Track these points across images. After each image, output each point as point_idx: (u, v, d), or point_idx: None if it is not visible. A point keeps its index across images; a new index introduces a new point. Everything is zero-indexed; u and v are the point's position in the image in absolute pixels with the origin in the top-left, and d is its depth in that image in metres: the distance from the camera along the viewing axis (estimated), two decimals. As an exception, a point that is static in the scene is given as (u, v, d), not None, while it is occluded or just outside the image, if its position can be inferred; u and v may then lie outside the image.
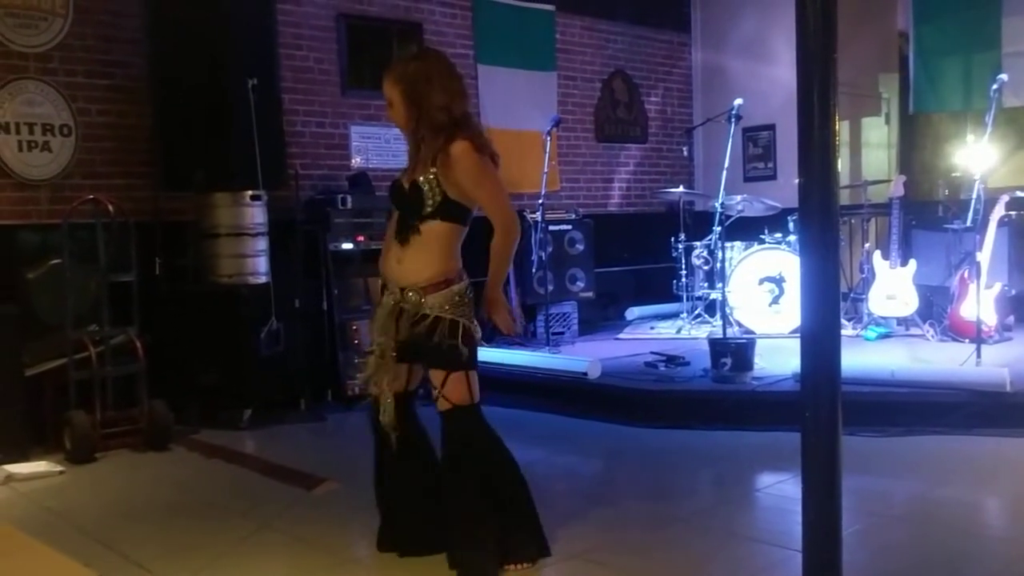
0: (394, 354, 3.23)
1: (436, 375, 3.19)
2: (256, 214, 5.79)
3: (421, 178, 3.13)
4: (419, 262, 3.16)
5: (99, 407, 5.12)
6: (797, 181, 2.27)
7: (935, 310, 6.83)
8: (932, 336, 6.59)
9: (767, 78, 8.57)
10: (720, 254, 7.01)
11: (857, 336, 6.78)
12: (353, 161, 7.12)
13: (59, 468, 4.78)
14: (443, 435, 3.23)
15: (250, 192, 5.73)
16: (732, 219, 7.37)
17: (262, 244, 5.84)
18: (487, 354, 6.40)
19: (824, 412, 2.26)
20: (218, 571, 3.31)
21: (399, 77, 3.18)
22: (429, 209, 3.13)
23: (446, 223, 3.16)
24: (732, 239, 7.33)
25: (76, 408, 5.02)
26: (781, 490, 4.07)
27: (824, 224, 2.26)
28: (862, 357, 5.74)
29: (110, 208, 5.25)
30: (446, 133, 3.12)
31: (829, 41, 2.20)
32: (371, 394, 3.35)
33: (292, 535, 3.67)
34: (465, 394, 3.17)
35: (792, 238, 7.18)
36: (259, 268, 5.82)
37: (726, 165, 7.24)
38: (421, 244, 3.16)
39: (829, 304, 2.29)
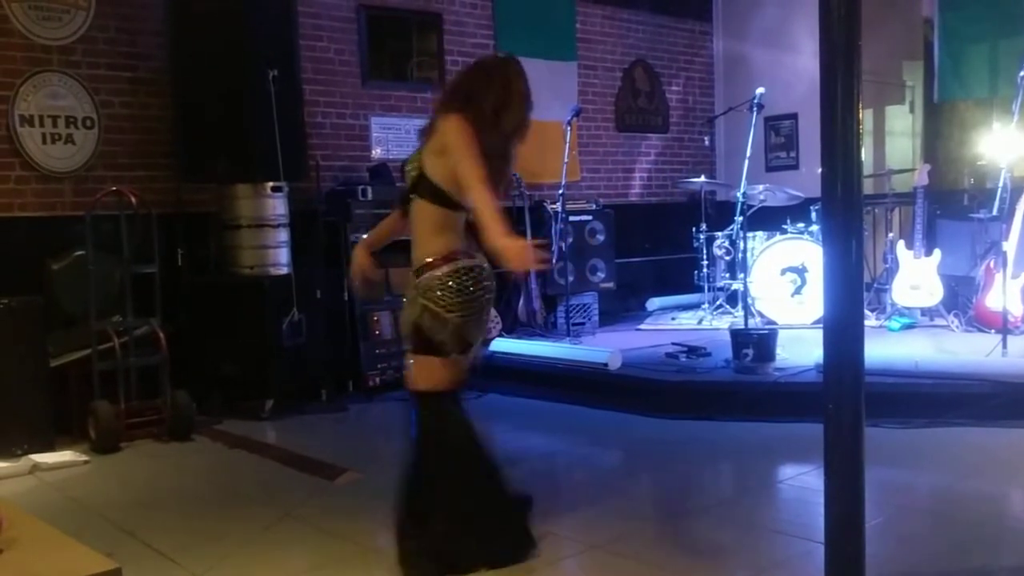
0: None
1: (409, 355, 3.16)
2: (277, 205, 5.81)
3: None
4: (415, 244, 3.11)
5: (123, 397, 5.16)
6: (820, 171, 2.25)
7: (960, 300, 6.76)
8: (957, 327, 6.52)
9: (789, 67, 8.49)
10: (742, 244, 6.95)
11: (881, 327, 6.73)
12: (373, 152, 7.13)
13: (84, 458, 4.82)
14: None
15: (271, 183, 5.75)
16: (754, 209, 7.32)
17: (283, 235, 5.86)
18: (508, 345, 6.42)
19: (847, 403, 2.25)
20: (241, 560, 3.34)
21: None
22: (409, 184, 3.11)
23: (425, 202, 3.05)
24: (754, 229, 7.29)
25: (100, 398, 5.07)
26: (804, 482, 4.05)
27: (848, 214, 2.24)
28: (885, 348, 5.69)
29: (133, 200, 5.28)
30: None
31: (853, 29, 2.18)
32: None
33: (314, 525, 3.69)
34: (430, 380, 3.10)
35: (815, 228, 7.13)
36: (280, 259, 5.84)
37: (748, 154, 7.17)
38: (414, 226, 3.12)
39: (853, 294, 2.28)
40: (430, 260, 3.05)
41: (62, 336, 5.32)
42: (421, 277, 3.05)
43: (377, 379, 6.30)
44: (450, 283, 3.02)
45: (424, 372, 3.10)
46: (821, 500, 2.31)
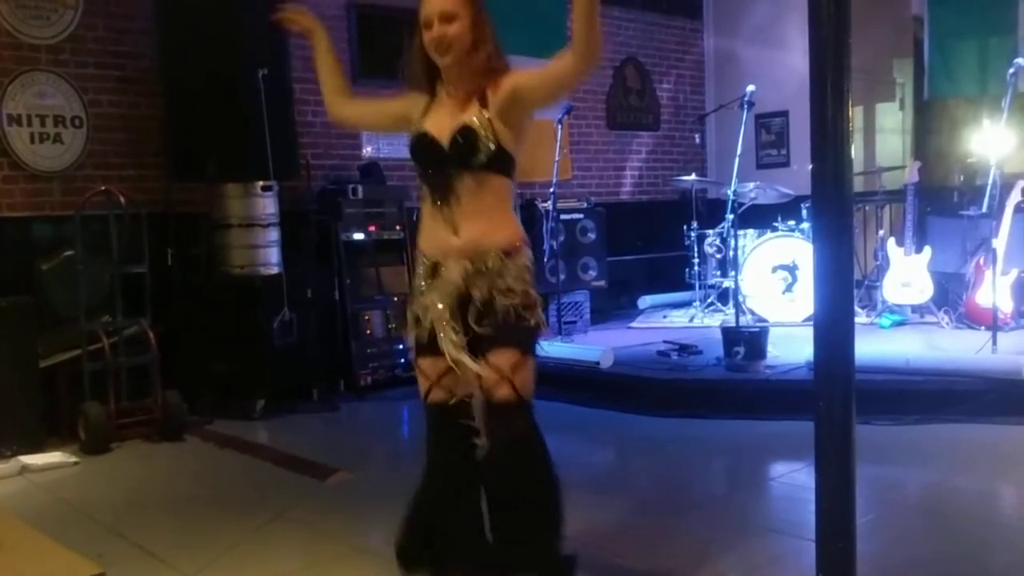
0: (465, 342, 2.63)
1: (506, 358, 2.59)
2: (268, 204, 5.79)
3: (474, 119, 2.62)
4: (491, 223, 2.64)
5: (113, 398, 5.14)
6: (810, 168, 2.25)
7: (950, 297, 6.78)
8: (947, 324, 6.55)
9: (780, 64, 8.50)
10: (733, 242, 6.97)
11: (871, 324, 6.74)
12: (364, 151, 7.11)
13: (74, 459, 4.80)
14: (502, 432, 2.66)
15: (261, 182, 5.73)
16: (745, 207, 7.32)
17: (274, 234, 5.84)
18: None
19: (838, 400, 2.24)
20: (232, 561, 3.32)
21: None
22: (483, 159, 2.60)
23: (502, 177, 2.65)
24: (745, 227, 7.29)
25: (90, 399, 5.04)
26: (795, 479, 4.05)
27: (838, 211, 2.24)
28: (876, 345, 5.70)
29: (122, 199, 5.26)
30: (499, 72, 2.70)
31: (843, 26, 2.18)
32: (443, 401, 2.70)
33: (306, 525, 3.68)
34: (531, 384, 2.66)
35: (805, 226, 7.14)
36: (271, 258, 5.82)
37: (739, 152, 7.19)
38: (484, 205, 2.63)
39: (843, 292, 2.27)
40: (523, 241, 2.70)
41: (52, 337, 5.29)
42: (515, 259, 2.64)
43: (368, 378, 6.30)
44: (533, 268, 2.73)
45: (530, 374, 2.64)
46: (812, 497, 2.31)
